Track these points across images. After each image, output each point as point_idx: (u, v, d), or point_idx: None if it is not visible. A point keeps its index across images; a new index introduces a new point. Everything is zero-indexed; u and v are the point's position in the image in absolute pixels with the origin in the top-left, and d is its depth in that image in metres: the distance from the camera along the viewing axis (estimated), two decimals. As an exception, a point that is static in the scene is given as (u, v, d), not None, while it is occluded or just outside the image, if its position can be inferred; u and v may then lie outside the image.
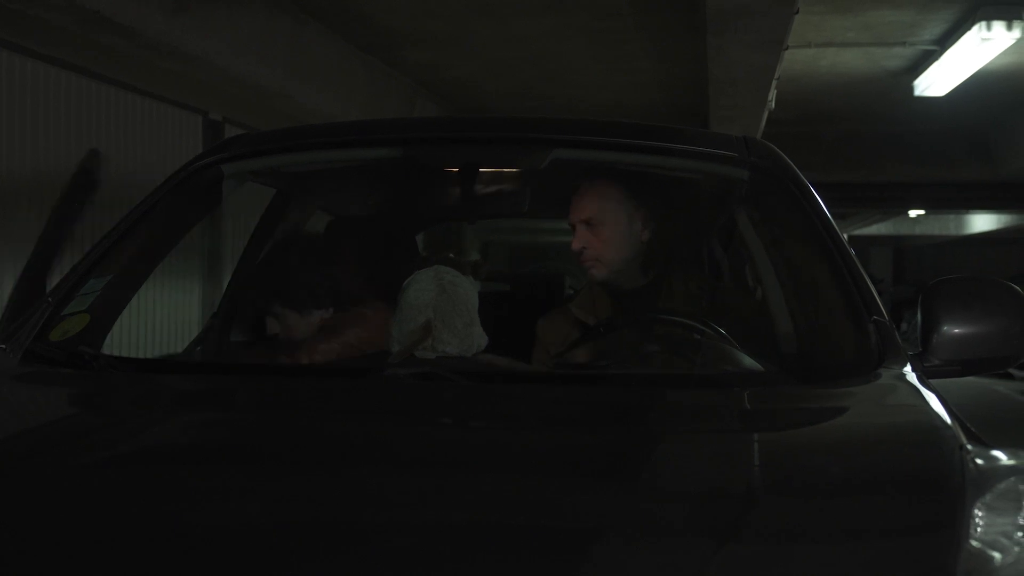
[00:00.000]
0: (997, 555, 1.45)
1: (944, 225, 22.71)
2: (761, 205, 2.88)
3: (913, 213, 19.56)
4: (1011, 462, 1.70)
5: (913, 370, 2.17)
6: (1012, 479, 1.61)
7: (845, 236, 2.68)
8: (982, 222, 20.88)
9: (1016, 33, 6.50)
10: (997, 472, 1.65)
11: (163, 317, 6.73)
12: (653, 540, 1.44)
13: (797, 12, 5.14)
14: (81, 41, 5.49)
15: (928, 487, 1.61)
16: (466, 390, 2.07)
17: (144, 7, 5.24)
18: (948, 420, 1.86)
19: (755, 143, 2.82)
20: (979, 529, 1.48)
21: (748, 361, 2.48)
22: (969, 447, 1.73)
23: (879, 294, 2.94)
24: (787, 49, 5.99)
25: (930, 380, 2.36)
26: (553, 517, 1.49)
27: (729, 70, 6.12)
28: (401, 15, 7.16)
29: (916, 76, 8.22)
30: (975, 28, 6.55)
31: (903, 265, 30.81)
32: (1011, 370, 17.68)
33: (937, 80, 8.03)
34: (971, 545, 1.45)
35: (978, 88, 8.87)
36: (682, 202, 3.04)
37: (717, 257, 3.22)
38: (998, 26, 6.46)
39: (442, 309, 2.38)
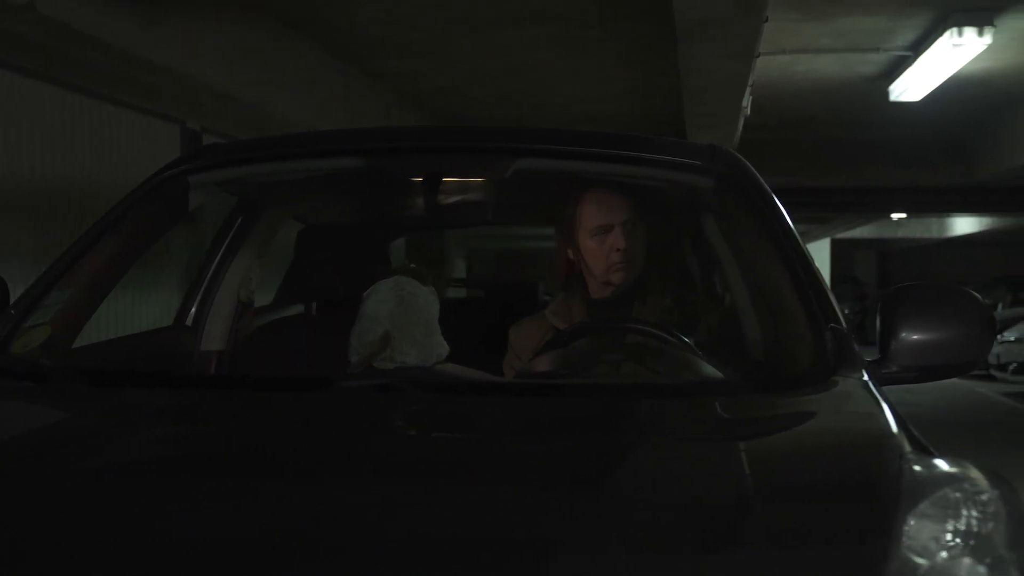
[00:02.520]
0: (924, 562, 1.47)
1: (927, 228, 22.83)
2: (725, 214, 2.91)
3: (895, 216, 19.66)
4: (952, 470, 1.71)
5: (868, 377, 2.20)
6: (947, 488, 1.63)
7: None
8: (964, 224, 20.99)
9: (987, 39, 6.56)
10: (936, 480, 1.65)
11: (143, 327, 6.73)
12: (592, 550, 1.47)
13: (766, 21, 5.19)
14: (55, 54, 5.51)
15: (863, 495, 1.63)
16: (418, 401, 2.07)
17: (116, 20, 5.25)
18: (893, 428, 1.88)
19: (720, 151, 2.84)
20: (910, 537, 1.50)
21: (709, 370, 2.50)
22: (910, 455, 1.75)
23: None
24: (759, 56, 6.04)
25: (888, 386, 2.39)
26: (493, 528, 1.51)
27: (701, 79, 6.17)
28: (378, 26, 7.19)
29: (891, 82, 8.28)
30: (947, 34, 6.62)
31: (888, 268, 30.92)
32: (994, 372, 17.79)
33: (911, 85, 8.09)
34: (901, 553, 1.47)
35: (953, 93, 8.93)
36: (656, 210, 3.07)
37: (686, 266, 3.26)
38: (969, 32, 6.52)
39: (400, 320, 2.40)
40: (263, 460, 1.75)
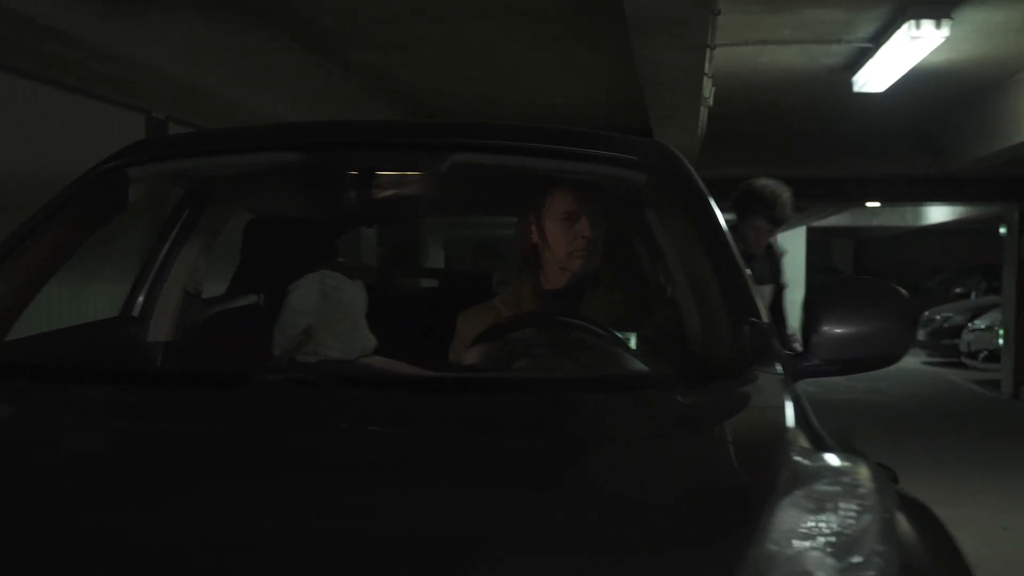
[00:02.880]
0: (787, 551, 1.52)
1: (902, 216, 22.93)
2: (658, 208, 2.97)
3: (870, 205, 19.74)
4: (836, 465, 1.75)
5: (783, 371, 2.25)
6: (824, 481, 1.67)
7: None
8: (938, 213, 21.09)
9: (944, 31, 6.62)
10: (815, 473, 1.70)
11: (82, 319, 6.68)
12: (461, 542, 1.50)
13: (718, 14, 5.24)
14: (11, 43, 5.51)
15: (738, 487, 1.69)
16: (331, 396, 2.10)
17: (76, 12, 5.26)
18: (789, 422, 1.94)
19: (656, 147, 2.90)
20: (776, 528, 1.55)
21: (634, 364, 2.56)
22: (799, 449, 1.80)
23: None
24: (715, 48, 6.09)
25: (811, 378, 2.44)
26: (387, 524, 1.54)
27: (657, 71, 6.22)
28: (344, 19, 7.21)
29: (854, 73, 8.34)
30: (905, 26, 6.68)
31: (864, 256, 31.04)
32: (964, 360, 17.92)
33: (874, 77, 8.16)
34: (763, 543, 1.52)
35: (918, 84, 8.99)
36: (610, 205, 3.12)
37: (633, 260, 3.31)
38: (927, 24, 6.59)
39: (324, 314, 2.45)
40: (159, 457, 1.78)
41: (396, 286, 4.22)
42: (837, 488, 1.66)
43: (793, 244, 23.90)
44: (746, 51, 7.75)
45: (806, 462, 1.74)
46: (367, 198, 3.09)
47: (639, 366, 2.56)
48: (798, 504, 1.60)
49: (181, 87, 6.75)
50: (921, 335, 20.18)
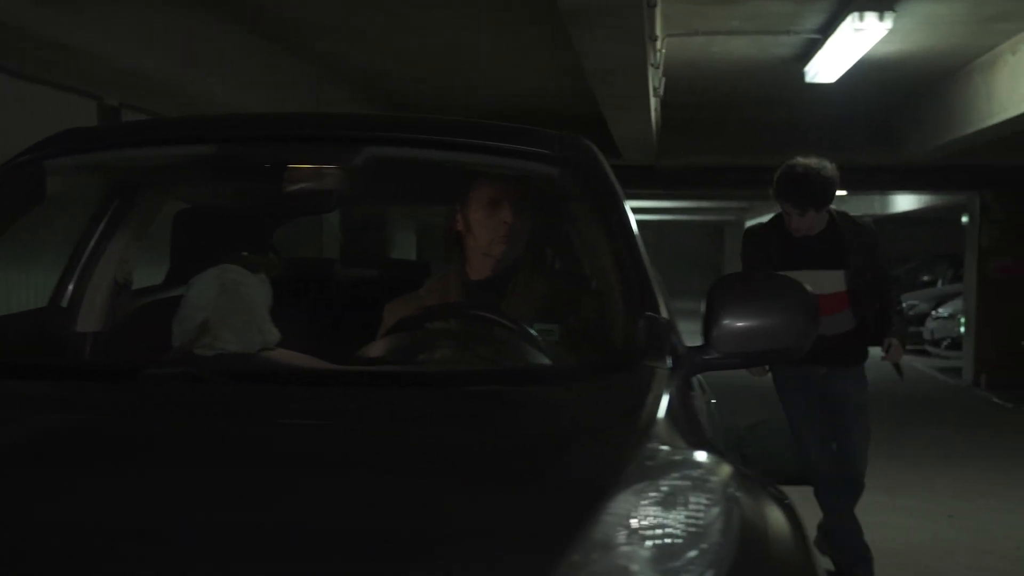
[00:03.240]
0: (613, 548, 1.57)
1: (869, 205, 23.01)
2: (572, 202, 3.01)
3: (837, 193, 19.79)
4: (697, 460, 1.80)
5: (673, 365, 2.29)
6: (675, 474, 1.71)
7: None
8: (904, 202, 21.19)
9: (888, 24, 6.70)
10: (663, 469, 1.74)
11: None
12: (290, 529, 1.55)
13: (654, 5, 5.28)
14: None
15: (582, 479, 1.72)
16: (212, 391, 2.13)
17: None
18: (657, 416, 1.98)
19: (570, 140, 2.93)
20: (610, 523, 1.60)
21: (536, 357, 2.60)
22: (656, 443, 1.84)
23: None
24: (657, 40, 6.14)
25: (711, 371, 2.48)
26: (256, 515, 1.59)
27: (598, 62, 6.27)
28: (294, 6, 7.21)
29: (806, 63, 8.41)
30: (849, 18, 6.76)
31: (834, 244, 31.09)
32: (928, 348, 18.07)
33: (824, 68, 8.23)
34: (594, 534, 1.56)
35: (871, 75, 9.08)
36: (534, 198, 3.16)
37: (555, 252, 3.36)
38: (870, 16, 6.67)
39: (221, 307, 2.47)
40: (22, 449, 1.82)
41: (335, 276, 4.24)
42: (687, 483, 1.70)
43: (762, 231, 24.06)
44: (698, 41, 7.80)
45: (657, 457, 1.78)
46: (281, 190, 3.12)
47: (542, 359, 2.60)
48: (641, 497, 1.64)
49: (129, 75, 6.75)
50: (887, 323, 20.28)
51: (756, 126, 11.94)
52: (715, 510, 1.66)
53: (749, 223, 5.50)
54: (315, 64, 8.98)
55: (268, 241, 3.90)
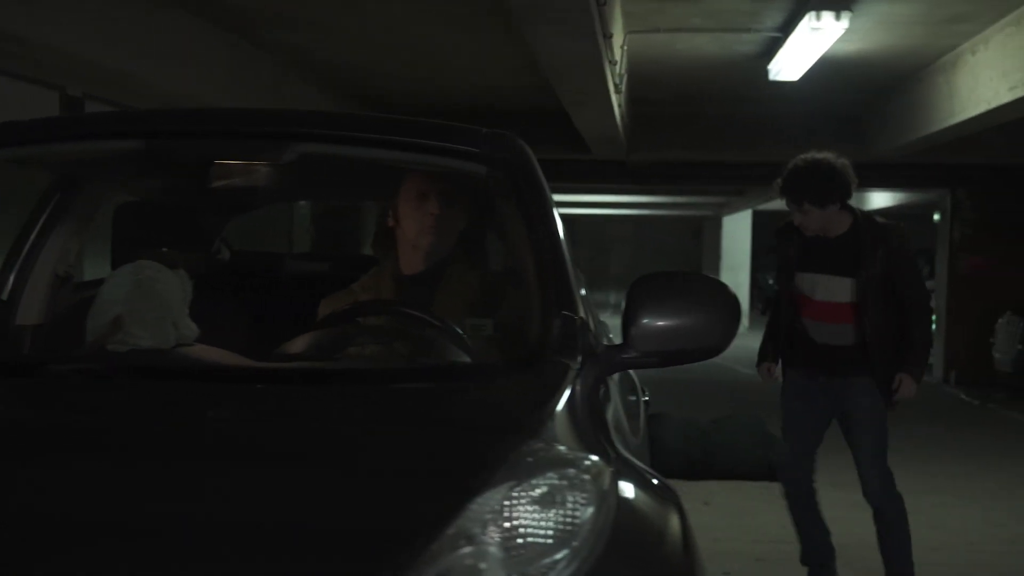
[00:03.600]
0: (474, 545, 1.60)
1: (846, 201, 23.11)
2: (497, 199, 3.04)
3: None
4: (577, 459, 1.81)
5: (588, 363, 2.31)
6: (552, 473, 1.74)
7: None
8: (880, 199, 21.28)
9: (844, 23, 6.75)
10: (550, 466, 1.76)
11: None
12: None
13: (603, 3, 5.30)
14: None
15: (451, 478, 1.75)
16: (115, 387, 2.15)
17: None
18: (542, 416, 2.00)
19: (500, 138, 2.94)
20: (473, 518, 1.62)
21: (455, 354, 2.62)
22: (535, 444, 1.85)
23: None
24: (610, 36, 6.17)
25: (629, 370, 2.49)
26: (127, 511, 1.62)
27: (553, 58, 6.29)
28: (256, -1, 7.23)
29: (769, 61, 8.45)
30: (806, 17, 6.80)
31: (812, 240, 31.20)
32: (900, 344, 18.14)
33: (787, 66, 8.28)
34: (456, 529, 1.59)
35: (835, 73, 9.13)
36: (468, 194, 3.18)
37: (477, 247, 3.38)
38: (827, 16, 6.71)
39: (134, 303, 2.49)
40: None
41: (283, 271, 4.26)
42: (563, 481, 1.72)
43: (739, 227, 24.12)
44: (661, 38, 7.83)
45: (541, 454, 1.80)
46: (206, 186, 3.14)
47: (460, 356, 2.62)
48: (512, 495, 1.67)
49: (90, 66, 6.75)
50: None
51: (725, 122, 12.00)
52: (589, 509, 1.68)
53: (783, 222, 5.11)
54: (278, 57, 8.98)
55: (216, 236, 3.91)
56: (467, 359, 2.61)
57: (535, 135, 12.76)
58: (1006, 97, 7.57)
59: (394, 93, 10.60)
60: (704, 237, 27.31)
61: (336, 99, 10.43)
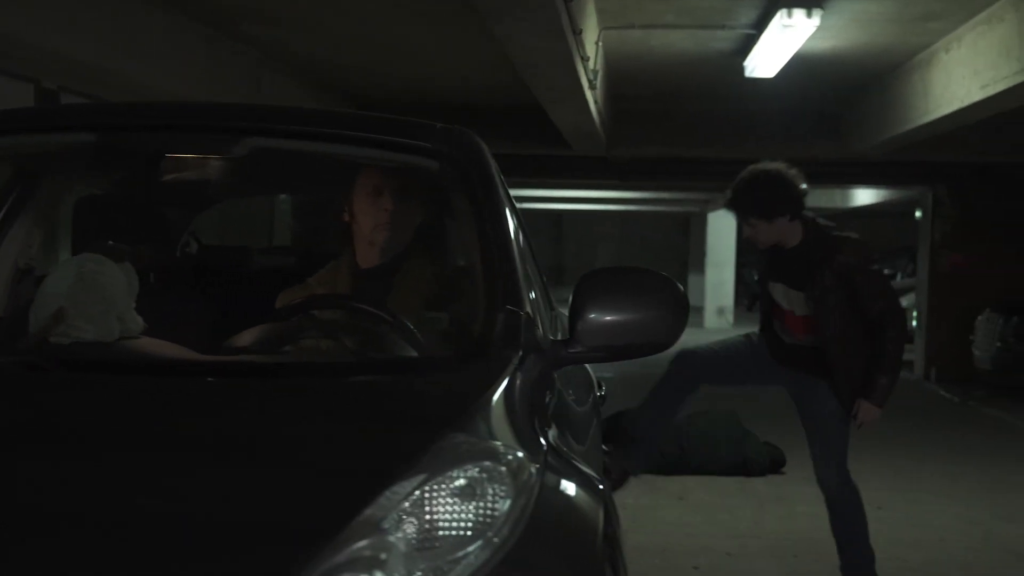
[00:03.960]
0: (385, 536, 1.62)
1: (830, 198, 23.12)
2: (450, 194, 3.05)
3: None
4: (499, 452, 1.84)
5: (534, 358, 2.33)
6: (472, 466, 1.76)
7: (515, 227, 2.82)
8: (864, 196, 21.32)
9: (816, 20, 6.78)
10: (453, 460, 1.79)
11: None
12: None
13: (570, 1, 5.32)
14: None
15: (368, 468, 1.77)
16: (46, 380, 2.16)
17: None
18: (469, 409, 2.02)
19: (454, 134, 2.95)
20: (385, 507, 1.64)
21: (403, 349, 2.63)
22: (458, 436, 1.87)
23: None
24: (580, 32, 6.18)
25: (576, 364, 2.50)
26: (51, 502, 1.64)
27: (523, 55, 6.30)
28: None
29: (745, 58, 8.47)
30: (778, 15, 6.82)
31: (799, 237, 31.25)
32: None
33: (761, 63, 8.30)
34: (367, 517, 1.61)
35: (812, 70, 9.16)
36: (425, 189, 3.19)
37: (432, 242, 3.40)
38: (798, 13, 6.74)
39: (76, 296, 2.49)
40: None
41: (248, 265, 4.26)
42: (483, 475, 1.75)
43: (724, 224, 24.13)
44: (636, 35, 7.85)
45: (453, 448, 1.82)
46: (162, 179, 3.15)
47: (407, 350, 2.63)
48: (429, 487, 1.69)
49: (63, 60, 6.73)
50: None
51: (704, 119, 12.03)
52: (507, 502, 1.70)
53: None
54: (256, 51, 8.97)
55: (183, 230, 3.91)
56: (414, 353, 2.62)
57: (516, 131, 12.78)
58: (977, 95, 7.61)
59: (375, 88, 10.60)
60: (691, 232, 27.35)
61: (315, 94, 10.43)
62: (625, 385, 7.15)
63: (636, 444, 4.92)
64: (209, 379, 2.25)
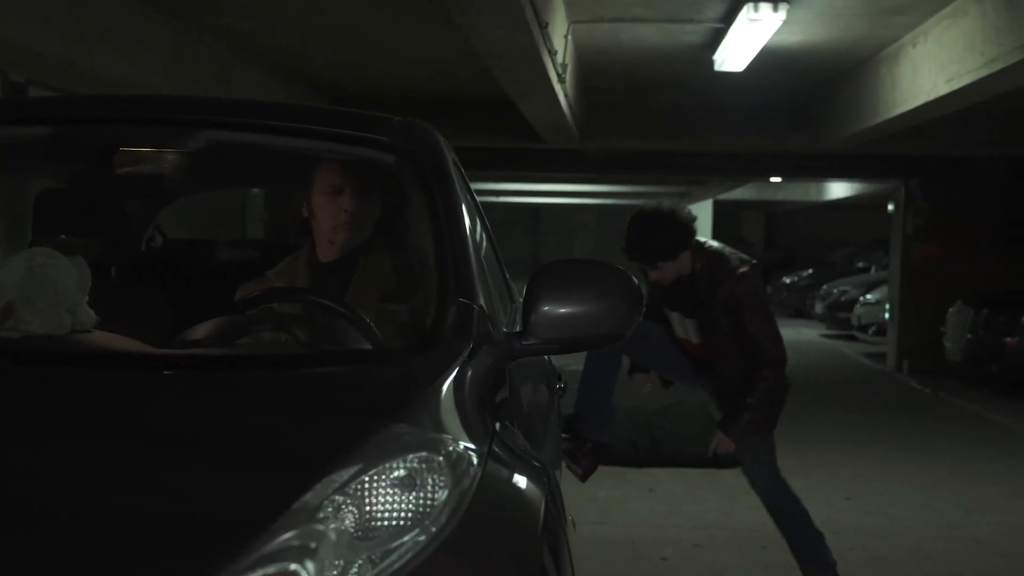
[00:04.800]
0: (331, 530, 1.62)
1: (805, 191, 23.25)
2: (406, 189, 3.06)
3: (774, 179, 20.02)
4: (451, 443, 1.86)
5: (485, 350, 2.34)
6: (415, 456, 1.78)
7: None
8: (838, 189, 21.43)
9: (782, 15, 6.80)
10: (390, 451, 1.79)
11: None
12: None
13: (532, -7, 5.34)
14: None
15: (308, 463, 1.78)
16: None
17: None
18: (410, 400, 2.03)
19: (411, 127, 2.95)
20: (321, 495, 1.65)
21: (357, 341, 2.64)
22: (397, 425, 1.89)
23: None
24: (547, 26, 6.19)
25: (529, 356, 2.52)
26: None
27: (488, 47, 6.30)
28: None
29: (714, 52, 8.50)
30: (745, 8, 6.84)
31: (774, 229, 31.49)
32: (856, 333, 18.33)
33: (730, 56, 8.32)
34: (301, 503, 1.63)
35: (782, 64, 9.19)
36: (384, 182, 3.20)
37: (392, 235, 3.41)
38: (764, 7, 6.76)
39: (26, 290, 2.50)
40: None
41: (212, 258, 4.25)
42: (422, 465, 1.76)
43: (700, 217, 24.22)
44: (605, 28, 7.86)
45: (406, 438, 1.84)
46: (117, 173, 3.15)
47: (360, 343, 2.64)
48: (368, 478, 1.70)
49: (29, 52, 6.69)
50: (819, 308, 20.58)
51: (676, 112, 12.06)
52: (445, 492, 1.72)
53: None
54: (225, 43, 8.93)
55: (148, 223, 3.90)
56: (368, 346, 2.63)
57: (490, 124, 12.77)
58: (943, 89, 7.66)
59: (349, 81, 10.57)
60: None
61: (286, 86, 10.40)
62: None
63: (587, 419, 4.95)
64: (157, 372, 2.25)
